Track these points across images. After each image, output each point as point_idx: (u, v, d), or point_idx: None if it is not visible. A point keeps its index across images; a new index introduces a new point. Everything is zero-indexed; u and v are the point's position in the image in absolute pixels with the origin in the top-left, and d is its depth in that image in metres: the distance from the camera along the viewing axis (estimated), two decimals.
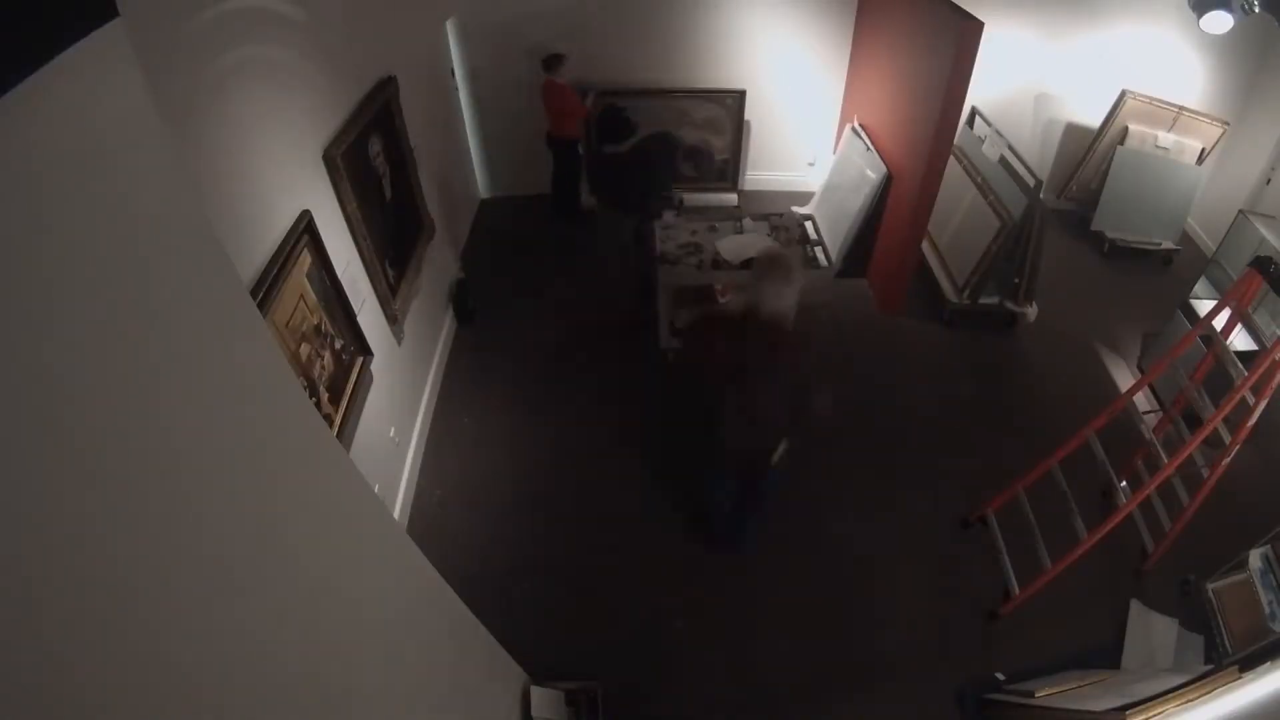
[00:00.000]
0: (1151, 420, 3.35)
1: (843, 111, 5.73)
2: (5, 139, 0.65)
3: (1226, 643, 2.89)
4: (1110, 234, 5.76)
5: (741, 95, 5.61)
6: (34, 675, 0.66)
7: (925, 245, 5.07)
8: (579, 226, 5.72)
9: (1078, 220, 5.97)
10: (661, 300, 4.23)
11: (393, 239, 3.42)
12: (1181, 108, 5.60)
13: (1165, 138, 5.71)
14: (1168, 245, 5.75)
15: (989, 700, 2.77)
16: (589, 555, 3.36)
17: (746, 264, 4.17)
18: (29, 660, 0.66)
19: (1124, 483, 3.21)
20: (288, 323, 2.33)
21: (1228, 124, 5.59)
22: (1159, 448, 2.96)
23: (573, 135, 5.33)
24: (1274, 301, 3.79)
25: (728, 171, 6.01)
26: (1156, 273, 5.64)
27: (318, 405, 2.51)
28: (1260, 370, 2.63)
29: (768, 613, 3.17)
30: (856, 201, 4.97)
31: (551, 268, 5.26)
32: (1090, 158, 5.88)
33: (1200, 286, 4.59)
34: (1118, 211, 5.69)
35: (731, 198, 6.05)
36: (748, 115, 5.75)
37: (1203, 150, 5.71)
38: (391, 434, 3.37)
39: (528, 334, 4.63)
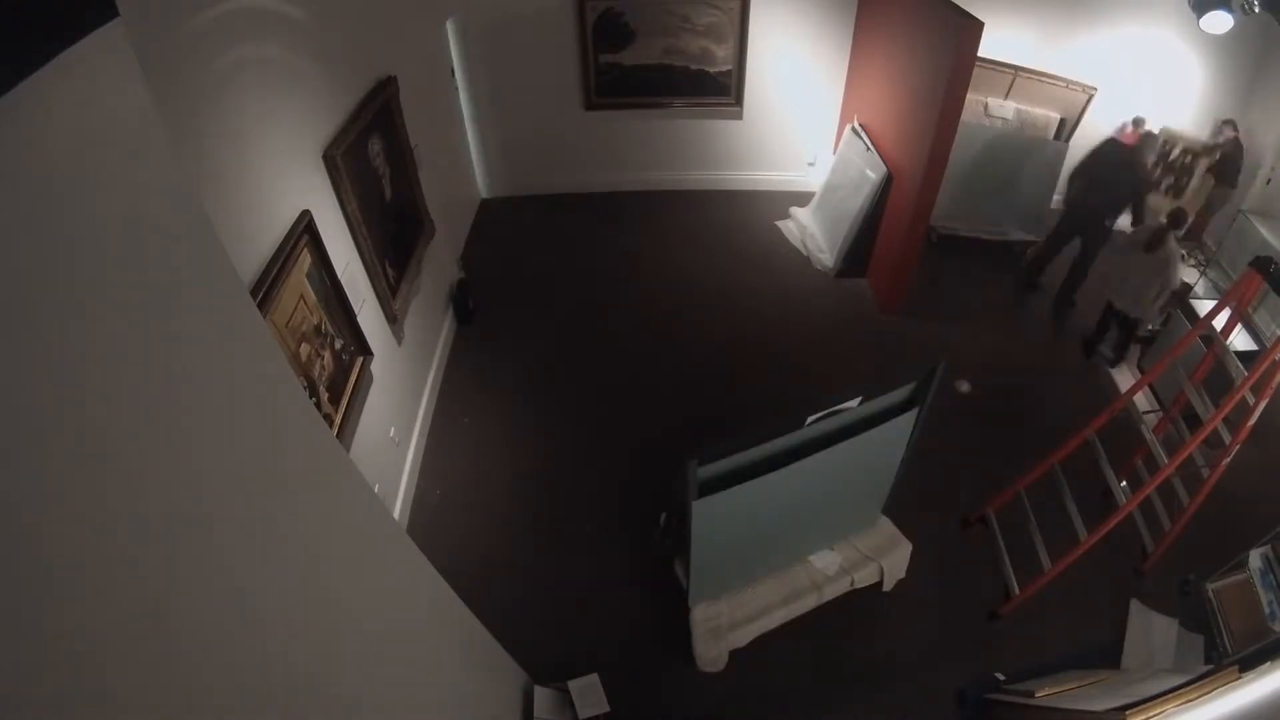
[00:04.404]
0: (1151, 420, 3.35)
1: (843, 111, 5.74)
2: (5, 139, 0.65)
3: (1226, 643, 2.89)
4: (935, 222, 5.12)
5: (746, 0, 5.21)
6: (39, 675, 0.66)
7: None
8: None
9: None
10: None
11: (393, 239, 3.42)
12: (1019, 69, 5.04)
13: (1001, 105, 5.24)
14: (1020, 236, 5.30)
15: (989, 700, 2.77)
16: (591, 555, 3.36)
17: None
18: (33, 660, 0.66)
19: (1124, 483, 3.21)
20: (288, 323, 2.33)
21: (1094, 89, 5.17)
22: (1159, 448, 2.96)
23: None
24: (1274, 301, 3.79)
25: (730, 85, 5.61)
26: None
27: (318, 405, 2.51)
28: (1260, 370, 2.63)
29: None
30: (856, 201, 4.97)
31: (551, 268, 5.26)
32: None
33: (1200, 286, 4.60)
34: (947, 197, 4.78)
35: (736, 111, 5.74)
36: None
37: (1063, 121, 5.27)
38: (391, 434, 3.37)
39: (528, 334, 4.63)
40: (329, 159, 2.72)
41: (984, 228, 5.48)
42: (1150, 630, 3.11)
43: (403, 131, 3.52)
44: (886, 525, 3.21)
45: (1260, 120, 5.43)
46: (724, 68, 5.52)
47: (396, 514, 3.35)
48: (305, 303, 2.46)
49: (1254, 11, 4.17)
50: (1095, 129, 5.56)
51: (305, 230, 2.46)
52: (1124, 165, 4.58)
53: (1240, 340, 3.33)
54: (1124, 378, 4.54)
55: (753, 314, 4.85)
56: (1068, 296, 5.01)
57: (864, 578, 3.08)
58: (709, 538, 2.51)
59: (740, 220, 5.86)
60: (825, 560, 3.08)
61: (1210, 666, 2.22)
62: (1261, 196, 5.22)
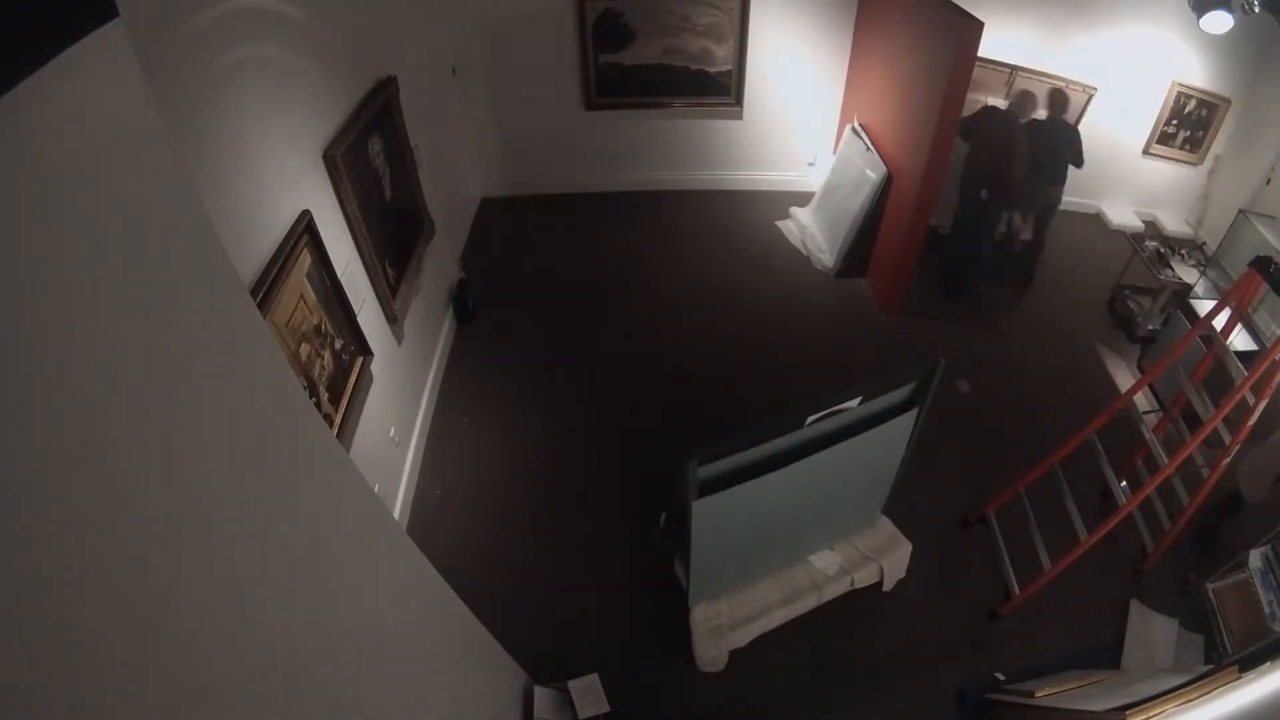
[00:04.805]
0: (1151, 420, 3.35)
1: (843, 111, 5.73)
2: (5, 139, 0.65)
3: (1226, 643, 2.89)
4: (936, 222, 4.96)
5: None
6: (38, 675, 0.66)
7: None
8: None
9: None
10: None
11: (393, 239, 3.42)
12: (1019, 69, 5.15)
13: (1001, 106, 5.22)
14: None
15: (989, 700, 2.77)
16: (591, 554, 3.36)
17: None
18: (31, 660, 0.66)
19: (1124, 483, 3.21)
20: (288, 323, 2.33)
21: (1094, 89, 5.30)
22: (1159, 448, 2.96)
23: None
24: (1274, 301, 3.79)
25: (730, 85, 5.59)
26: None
27: (318, 405, 2.51)
28: (1260, 370, 2.63)
29: None
30: (856, 201, 4.97)
31: (551, 268, 5.26)
32: None
33: (1200, 286, 4.60)
34: (945, 195, 4.74)
35: (736, 111, 5.75)
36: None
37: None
38: (391, 434, 3.37)
39: (528, 334, 4.63)
40: (329, 159, 2.72)
41: None
42: (1150, 630, 3.11)
43: (403, 131, 3.52)
44: (886, 525, 3.21)
45: (1261, 120, 5.43)
46: (724, 68, 5.50)
47: (396, 514, 3.35)
48: (305, 303, 2.46)
49: (1254, 11, 4.17)
50: (1095, 129, 5.56)
51: (305, 230, 2.46)
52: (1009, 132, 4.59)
53: (1240, 340, 3.32)
54: (1124, 378, 4.54)
55: (753, 314, 4.85)
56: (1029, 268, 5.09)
57: (864, 578, 3.08)
58: (709, 538, 2.51)
59: (740, 220, 5.85)
60: (825, 560, 3.08)
61: (1210, 666, 2.21)
62: (1261, 196, 5.23)
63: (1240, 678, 1.94)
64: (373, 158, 3.18)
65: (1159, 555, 3.24)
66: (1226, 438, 2.79)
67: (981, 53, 3.81)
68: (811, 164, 6.08)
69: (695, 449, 2.18)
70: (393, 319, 3.37)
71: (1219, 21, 4.37)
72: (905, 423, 2.69)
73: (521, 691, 2.60)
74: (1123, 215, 6.09)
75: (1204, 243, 5.52)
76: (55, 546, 0.70)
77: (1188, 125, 5.76)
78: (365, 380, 2.96)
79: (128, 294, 0.84)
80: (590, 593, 3.22)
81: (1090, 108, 5.46)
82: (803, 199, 5.87)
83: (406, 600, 1.82)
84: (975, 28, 3.67)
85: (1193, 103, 5.65)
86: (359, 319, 2.90)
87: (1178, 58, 5.43)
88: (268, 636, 1.10)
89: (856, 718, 2.86)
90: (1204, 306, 3.92)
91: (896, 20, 4.69)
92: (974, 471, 3.76)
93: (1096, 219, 6.20)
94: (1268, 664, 1.92)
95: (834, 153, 5.67)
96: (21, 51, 0.66)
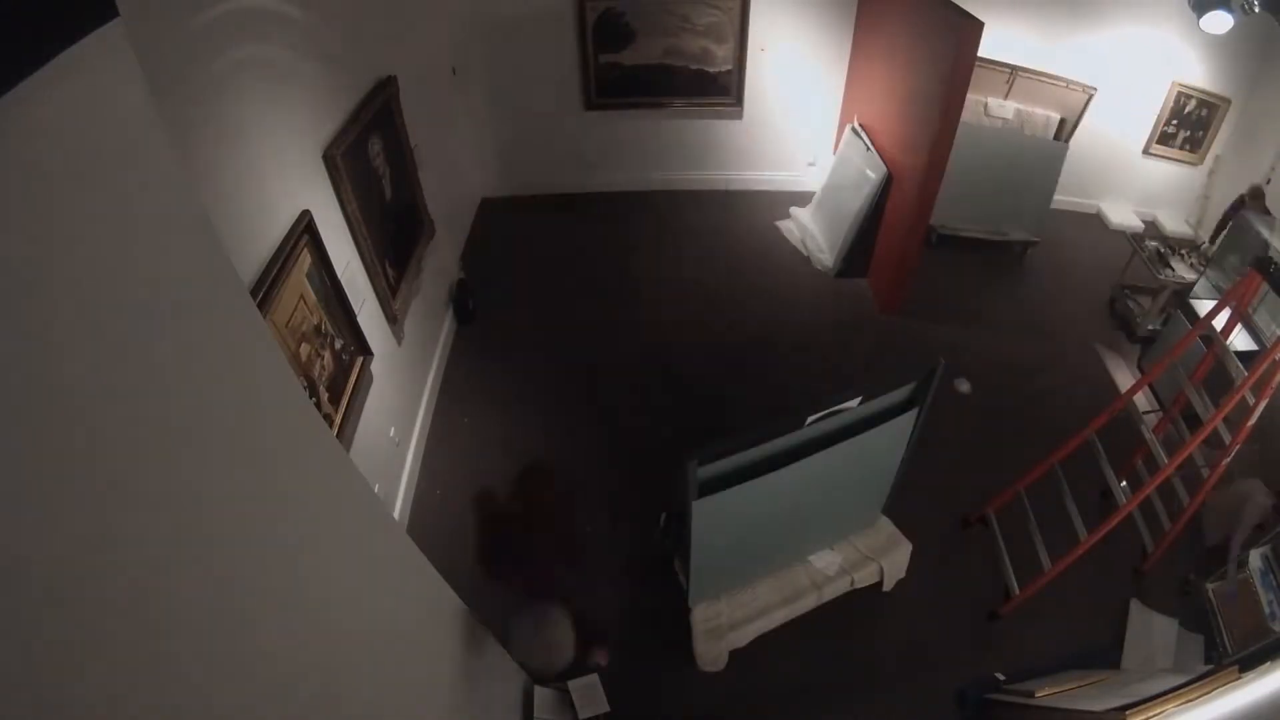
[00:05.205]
0: (1151, 420, 3.34)
1: (843, 111, 5.73)
2: (5, 139, 0.65)
3: (1226, 643, 2.89)
4: (935, 222, 5.08)
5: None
6: (40, 677, 0.66)
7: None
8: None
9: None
10: None
11: (393, 239, 3.42)
12: (1019, 69, 5.17)
13: (1001, 105, 5.31)
14: (1020, 236, 5.39)
15: (989, 700, 2.77)
16: (591, 554, 3.35)
17: None
18: (35, 662, 0.66)
19: (1124, 483, 3.21)
20: (288, 323, 2.33)
21: (1094, 89, 5.31)
22: (1159, 448, 2.96)
23: None
24: (1274, 301, 3.79)
25: (730, 85, 5.59)
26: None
27: (318, 405, 2.51)
28: (1260, 370, 2.63)
29: None
30: (856, 201, 4.97)
31: (551, 267, 5.26)
32: None
33: (1200, 286, 4.59)
34: (947, 197, 4.58)
35: (736, 111, 5.74)
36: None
37: (1063, 121, 5.39)
38: (391, 434, 3.37)
39: (528, 334, 4.63)
40: (329, 159, 2.72)
41: (984, 228, 5.48)
42: (1150, 630, 3.11)
43: (403, 131, 3.52)
44: (886, 525, 3.21)
45: (1261, 120, 5.43)
46: (724, 68, 5.51)
47: (396, 514, 3.35)
48: (305, 303, 2.46)
49: (1254, 11, 4.17)
50: (1095, 129, 5.56)
51: (305, 230, 2.46)
52: None
53: (1240, 340, 3.33)
54: (1124, 378, 4.54)
55: (753, 314, 4.85)
56: None
57: (864, 578, 3.08)
58: (709, 538, 2.51)
59: (740, 220, 5.85)
60: (825, 560, 3.08)
61: (1210, 666, 2.22)
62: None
63: (1240, 678, 1.94)
64: (373, 158, 3.18)
65: (1159, 555, 3.24)
66: (1226, 438, 2.79)
67: (981, 53, 3.81)
68: (811, 164, 6.07)
69: (695, 449, 2.18)
70: (393, 319, 3.37)
71: (1219, 21, 4.37)
72: (905, 423, 2.69)
73: (521, 691, 2.60)
74: (1123, 215, 6.09)
75: (1204, 243, 5.52)
76: (55, 546, 0.70)
77: (1188, 125, 5.77)
78: (365, 380, 2.96)
79: (127, 294, 0.84)
80: (590, 593, 3.21)
81: (1090, 108, 5.46)
82: (803, 199, 5.86)
83: (406, 600, 1.82)
84: (975, 28, 3.67)
85: (1193, 103, 5.65)
86: (359, 319, 2.90)
87: (1178, 58, 5.43)
88: (267, 637, 1.10)
89: (856, 718, 2.86)
90: (1204, 306, 3.91)
91: (896, 20, 4.69)
92: (974, 472, 3.76)
93: (1096, 219, 6.20)
94: (1268, 664, 1.92)
95: (834, 153, 5.67)
96: (21, 51, 0.66)
